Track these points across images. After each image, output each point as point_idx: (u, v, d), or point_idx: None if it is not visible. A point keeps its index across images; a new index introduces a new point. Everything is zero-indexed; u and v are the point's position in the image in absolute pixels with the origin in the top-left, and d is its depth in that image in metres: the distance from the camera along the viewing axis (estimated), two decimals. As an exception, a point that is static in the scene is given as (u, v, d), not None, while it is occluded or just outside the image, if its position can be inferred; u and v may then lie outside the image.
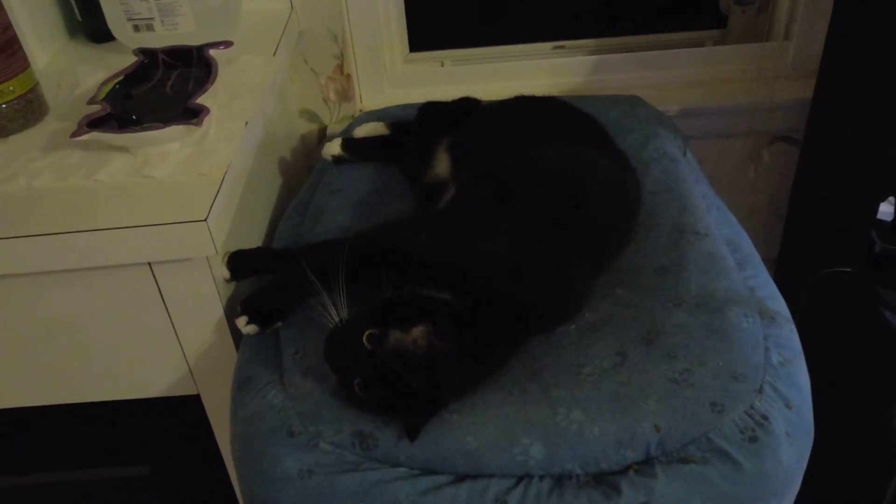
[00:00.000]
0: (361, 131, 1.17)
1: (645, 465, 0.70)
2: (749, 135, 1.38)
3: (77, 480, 1.08)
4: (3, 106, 0.92)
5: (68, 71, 1.09)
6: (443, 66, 1.46)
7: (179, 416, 1.00)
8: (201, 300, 0.87)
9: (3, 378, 0.95)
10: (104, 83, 0.95)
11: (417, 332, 0.72)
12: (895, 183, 1.12)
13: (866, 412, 1.12)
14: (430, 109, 1.15)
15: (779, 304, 0.86)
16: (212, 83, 0.94)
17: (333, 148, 1.13)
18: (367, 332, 0.72)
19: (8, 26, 0.91)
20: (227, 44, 1.03)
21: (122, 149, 0.88)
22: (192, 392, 0.96)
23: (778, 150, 1.40)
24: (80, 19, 1.20)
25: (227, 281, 0.89)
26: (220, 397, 0.95)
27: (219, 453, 1.04)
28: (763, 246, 0.95)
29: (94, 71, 1.06)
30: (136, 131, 0.86)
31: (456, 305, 0.75)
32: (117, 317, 0.89)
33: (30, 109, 0.95)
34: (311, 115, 1.38)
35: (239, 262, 0.89)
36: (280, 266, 0.92)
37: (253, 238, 1.04)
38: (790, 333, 0.82)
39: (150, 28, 1.10)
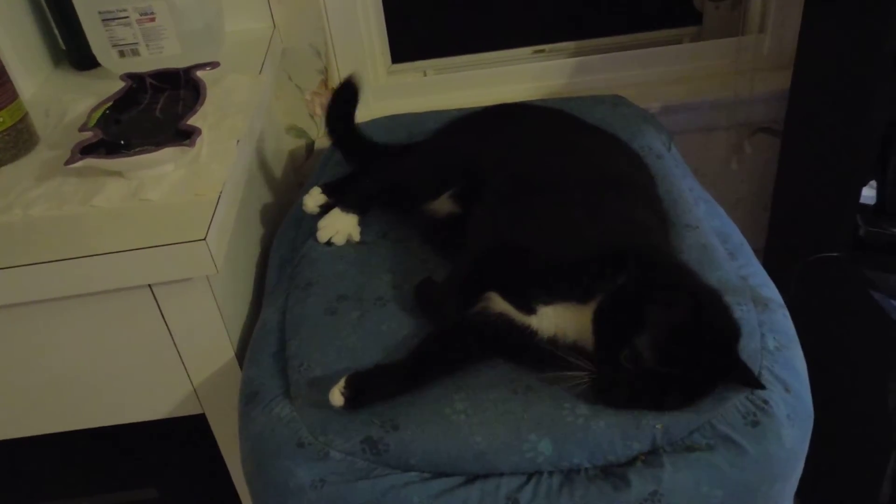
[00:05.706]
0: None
1: (652, 455, 0.71)
2: (730, 128, 1.41)
3: (85, 507, 1.09)
4: (-6, 138, 0.93)
5: (55, 99, 1.09)
6: (426, 75, 1.47)
7: (185, 436, 1.00)
8: (203, 319, 0.88)
9: (6, 407, 0.95)
10: (94, 110, 0.95)
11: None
12: (876, 167, 1.14)
13: (860, 392, 1.14)
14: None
15: (771, 292, 0.88)
16: (202, 104, 0.95)
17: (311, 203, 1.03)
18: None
19: (-5, 59, 0.92)
20: (214, 65, 1.04)
21: (117, 174, 0.89)
22: (198, 411, 0.97)
23: (759, 141, 1.42)
24: (63, 47, 1.20)
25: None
26: (225, 415, 0.96)
27: (226, 471, 1.04)
28: (750, 236, 0.97)
29: (82, 98, 1.07)
30: (130, 155, 0.87)
31: None
32: (120, 340, 0.89)
33: (21, 140, 0.96)
34: (298, 131, 1.39)
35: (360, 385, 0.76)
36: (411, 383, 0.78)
37: (250, 254, 1.05)
38: (784, 319, 0.84)
39: (135, 53, 1.11)
